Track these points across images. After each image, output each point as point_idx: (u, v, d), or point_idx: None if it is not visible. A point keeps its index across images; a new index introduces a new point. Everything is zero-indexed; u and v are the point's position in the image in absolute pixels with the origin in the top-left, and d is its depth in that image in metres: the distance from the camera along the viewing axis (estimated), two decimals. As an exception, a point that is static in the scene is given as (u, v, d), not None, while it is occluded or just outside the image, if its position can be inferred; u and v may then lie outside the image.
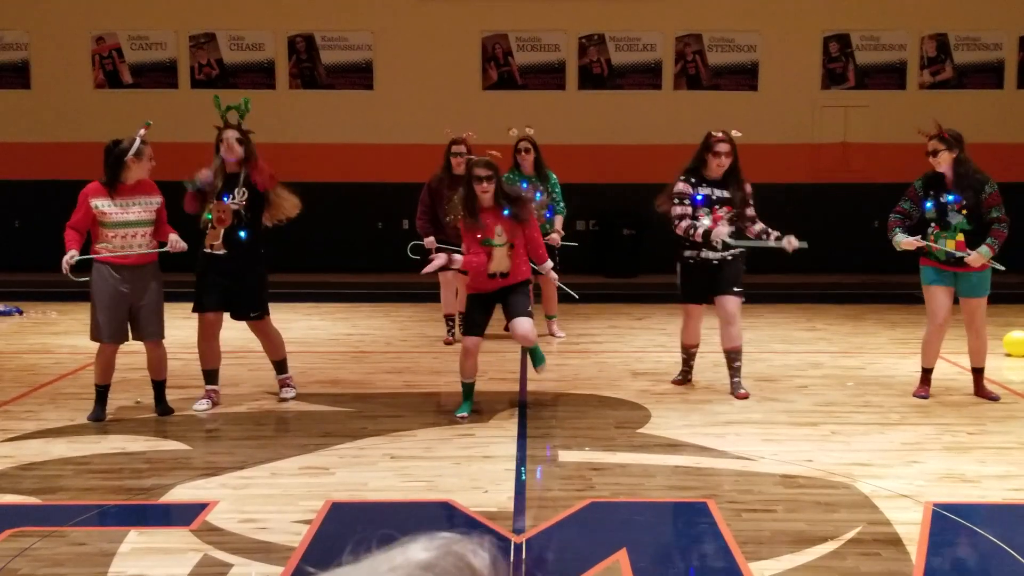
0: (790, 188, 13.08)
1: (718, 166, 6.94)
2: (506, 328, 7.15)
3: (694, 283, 7.15)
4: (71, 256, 6.22)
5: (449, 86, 13.69)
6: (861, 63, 13.87)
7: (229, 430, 6.45)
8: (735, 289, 7.07)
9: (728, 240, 6.89)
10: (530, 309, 6.57)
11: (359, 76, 13.90)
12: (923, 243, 6.81)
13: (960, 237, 6.72)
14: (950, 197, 6.75)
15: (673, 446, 6.09)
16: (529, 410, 6.88)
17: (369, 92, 13.89)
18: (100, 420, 6.54)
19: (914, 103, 13.24)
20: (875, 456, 5.88)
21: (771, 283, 11.46)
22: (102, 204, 6.32)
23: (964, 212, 6.70)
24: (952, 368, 7.97)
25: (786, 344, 9.26)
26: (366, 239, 13.86)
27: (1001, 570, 4.34)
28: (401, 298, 11.70)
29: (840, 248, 13.43)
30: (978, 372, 7.22)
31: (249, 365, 7.14)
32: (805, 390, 7.48)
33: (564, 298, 7.74)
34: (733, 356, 7.24)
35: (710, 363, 7.83)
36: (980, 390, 7.17)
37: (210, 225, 6.62)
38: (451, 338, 9.02)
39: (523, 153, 8.78)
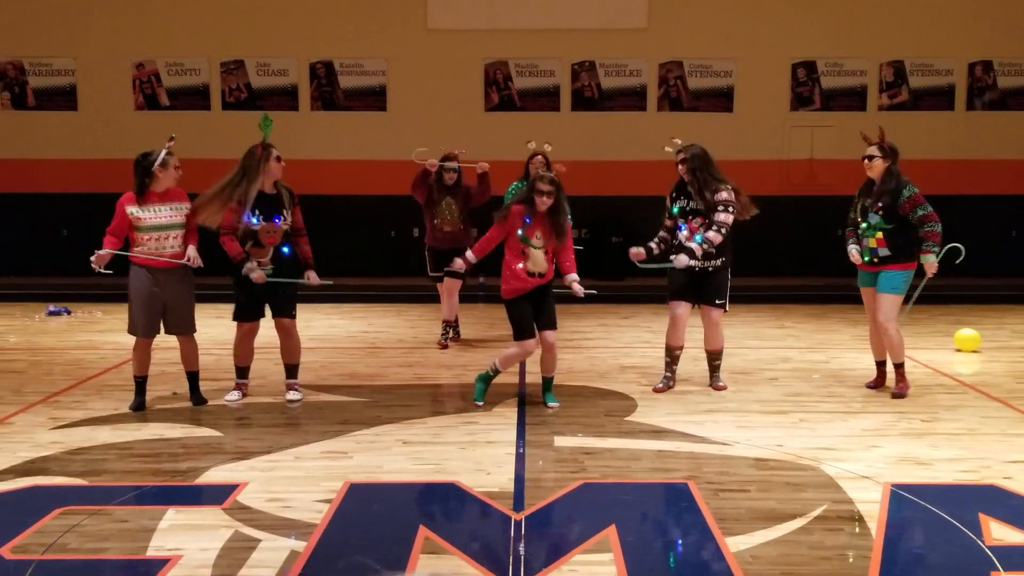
0: (762, 200, 13.00)
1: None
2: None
3: (678, 282, 6.97)
4: (103, 251, 6.22)
5: (455, 108, 13.70)
6: (826, 87, 13.88)
7: (258, 418, 6.45)
8: (717, 301, 6.96)
9: (648, 265, 6.79)
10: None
11: (374, 99, 13.91)
12: (857, 255, 6.84)
13: (880, 235, 6.72)
14: (870, 200, 6.78)
15: (657, 432, 6.09)
16: (527, 400, 6.89)
17: (383, 113, 13.89)
18: (141, 409, 6.54)
19: (874, 123, 13.09)
20: (839, 441, 5.89)
21: (745, 285, 11.44)
22: (135, 210, 6.31)
23: (881, 213, 6.69)
24: (908, 362, 7.96)
25: (758, 340, 9.26)
26: (380, 246, 13.87)
27: (951, 543, 4.35)
28: (412, 299, 11.70)
29: (807, 254, 13.45)
30: (880, 364, 7.16)
31: (276, 360, 7.13)
32: (776, 382, 7.49)
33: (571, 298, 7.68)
34: (713, 356, 7.23)
35: (690, 357, 7.83)
36: (877, 380, 7.16)
37: (256, 243, 6.48)
38: (445, 342, 8.83)
39: (537, 167, 8.61)
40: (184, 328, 6.60)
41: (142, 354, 6.56)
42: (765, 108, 13.79)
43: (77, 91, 13.89)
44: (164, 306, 6.45)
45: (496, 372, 6.72)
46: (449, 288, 8.76)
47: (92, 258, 6.21)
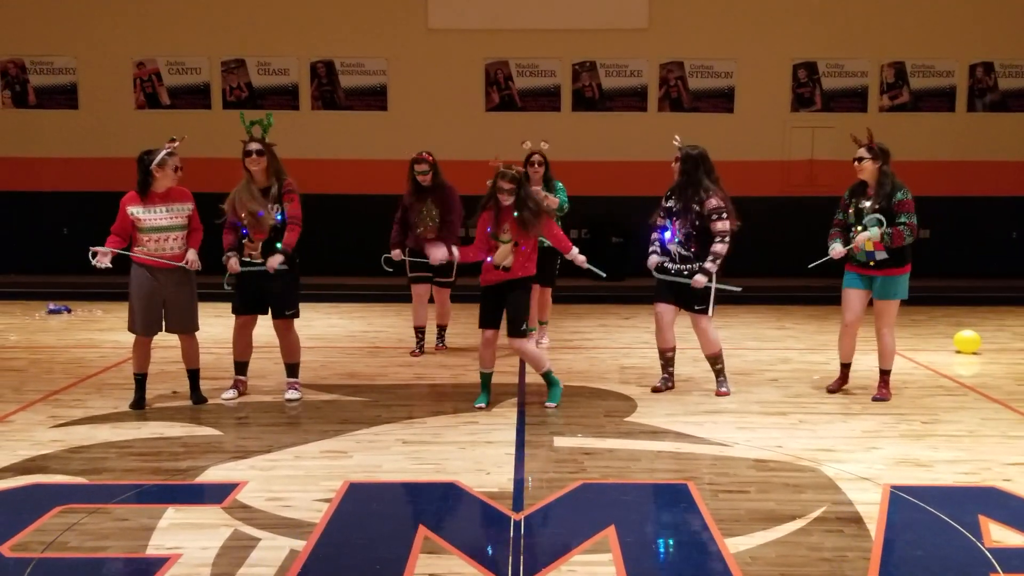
0: (763, 201, 13.08)
1: None
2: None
3: (660, 286, 6.94)
4: (103, 248, 6.23)
5: (455, 108, 13.70)
6: (827, 88, 13.88)
7: (257, 417, 6.45)
8: (696, 307, 6.87)
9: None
10: (525, 328, 6.52)
11: (374, 98, 13.90)
12: (844, 250, 6.78)
13: (877, 238, 6.71)
14: (867, 203, 6.75)
15: (657, 433, 6.09)
16: (527, 401, 6.89)
17: (383, 113, 13.88)
18: (141, 408, 6.55)
19: (874, 124, 13.11)
20: (838, 442, 5.89)
21: (745, 286, 11.43)
22: (136, 211, 6.33)
23: (878, 215, 6.68)
24: (908, 363, 7.98)
25: (758, 341, 9.26)
26: (381, 245, 13.81)
27: (951, 545, 4.35)
28: (411, 299, 11.64)
29: (807, 255, 13.41)
30: (845, 367, 7.14)
31: (276, 359, 7.13)
32: (775, 383, 7.49)
33: (571, 283, 7.68)
34: (711, 360, 7.11)
35: (689, 358, 7.83)
36: (839, 383, 7.15)
37: (248, 238, 6.55)
38: (418, 351, 8.51)
39: (535, 166, 8.54)
40: (185, 327, 6.60)
41: (142, 352, 6.56)
42: (766, 109, 13.78)
43: (78, 89, 13.88)
44: (164, 305, 6.46)
45: (484, 371, 6.73)
46: (420, 294, 8.53)
47: (92, 256, 6.20)
